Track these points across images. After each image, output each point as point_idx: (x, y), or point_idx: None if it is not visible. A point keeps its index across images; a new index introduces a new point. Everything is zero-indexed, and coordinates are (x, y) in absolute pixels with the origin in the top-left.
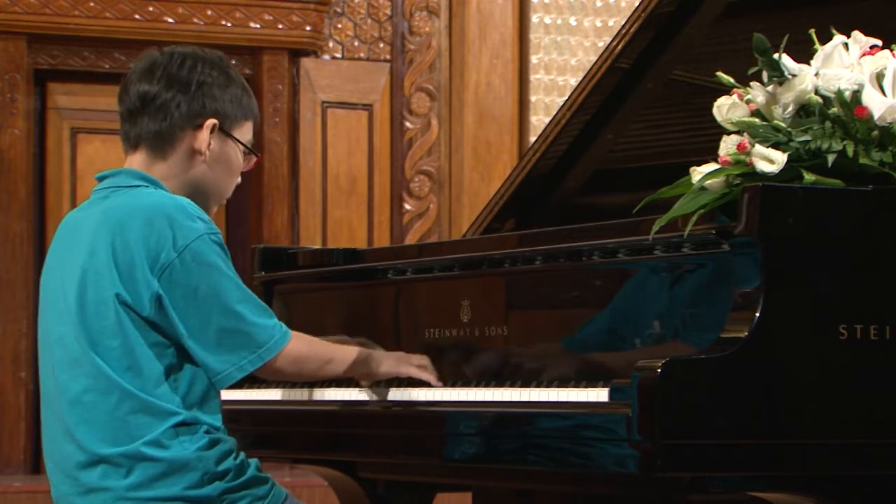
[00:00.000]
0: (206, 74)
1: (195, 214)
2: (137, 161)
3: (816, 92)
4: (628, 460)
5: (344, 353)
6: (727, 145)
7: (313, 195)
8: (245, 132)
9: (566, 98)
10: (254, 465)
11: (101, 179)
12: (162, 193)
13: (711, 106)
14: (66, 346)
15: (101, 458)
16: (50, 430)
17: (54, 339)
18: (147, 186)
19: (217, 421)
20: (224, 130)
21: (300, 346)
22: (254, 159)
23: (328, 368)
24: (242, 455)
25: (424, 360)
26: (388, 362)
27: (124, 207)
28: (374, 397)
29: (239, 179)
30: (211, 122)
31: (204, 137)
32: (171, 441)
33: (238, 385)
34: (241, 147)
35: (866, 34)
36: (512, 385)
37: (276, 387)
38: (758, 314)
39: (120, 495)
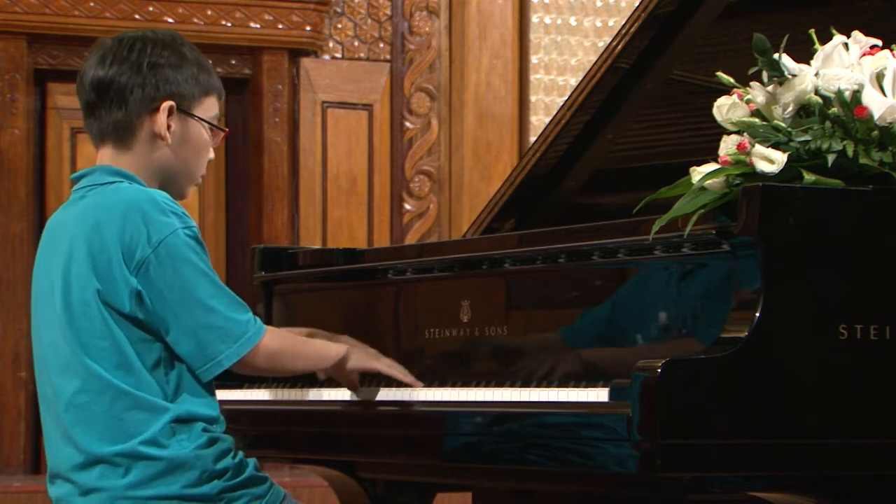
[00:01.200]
0: (158, 55)
1: (168, 208)
2: (107, 156)
3: (816, 92)
4: (628, 460)
5: (317, 350)
6: (727, 145)
7: (313, 195)
8: (208, 109)
9: (566, 98)
10: (252, 464)
11: (77, 179)
12: (136, 188)
13: (711, 106)
14: (58, 350)
15: (99, 458)
16: (50, 433)
17: (46, 344)
18: (121, 181)
19: (214, 410)
20: (183, 110)
21: (276, 341)
22: (221, 134)
23: (303, 364)
24: (241, 454)
25: (395, 364)
26: (358, 356)
27: (99, 206)
28: (374, 397)
29: (212, 155)
30: (167, 104)
31: (162, 121)
32: (169, 440)
33: (237, 385)
34: (206, 124)
35: (866, 34)
36: (512, 385)
37: (276, 387)
38: (758, 314)
39: (118, 494)
